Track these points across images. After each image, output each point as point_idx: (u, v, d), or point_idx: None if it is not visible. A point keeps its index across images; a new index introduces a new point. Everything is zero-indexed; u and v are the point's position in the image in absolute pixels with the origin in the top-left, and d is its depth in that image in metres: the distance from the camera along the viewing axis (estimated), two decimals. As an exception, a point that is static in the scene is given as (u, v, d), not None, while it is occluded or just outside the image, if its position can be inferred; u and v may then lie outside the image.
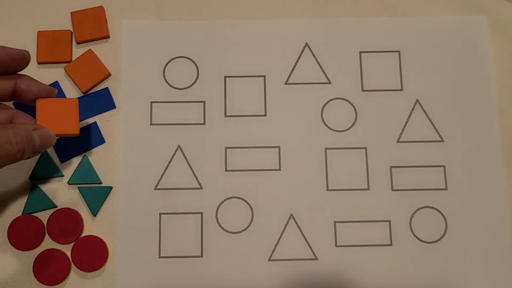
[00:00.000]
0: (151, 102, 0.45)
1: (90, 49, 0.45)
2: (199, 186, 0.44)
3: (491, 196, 0.44)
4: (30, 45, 0.46)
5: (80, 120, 0.45)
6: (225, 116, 0.45)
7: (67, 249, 0.42)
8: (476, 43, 0.47)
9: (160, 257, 0.42)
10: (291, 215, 0.43)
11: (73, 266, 0.42)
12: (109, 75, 0.45)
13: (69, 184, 0.43)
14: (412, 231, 0.43)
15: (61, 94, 0.45)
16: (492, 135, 0.45)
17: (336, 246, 0.43)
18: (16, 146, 0.35)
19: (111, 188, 0.43)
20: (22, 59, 0.38)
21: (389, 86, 0.46)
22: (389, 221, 0.43)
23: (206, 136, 0.45)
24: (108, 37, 0.46)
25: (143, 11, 0.47)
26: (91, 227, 0.43)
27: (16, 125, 0.37)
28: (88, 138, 0.44)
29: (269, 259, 0.42)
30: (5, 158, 0.34)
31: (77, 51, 0.46)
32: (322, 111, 0.45)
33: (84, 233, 0.42)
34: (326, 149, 0.45)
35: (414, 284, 0.42)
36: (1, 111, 0.39)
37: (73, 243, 0.42)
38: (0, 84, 0.38)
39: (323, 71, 0.46)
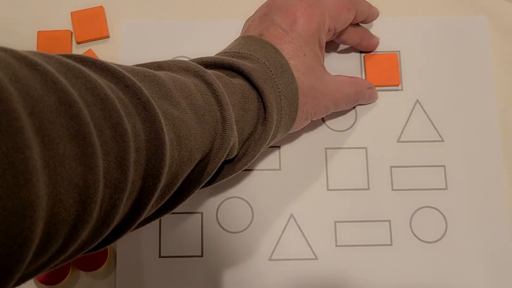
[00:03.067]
0: (151, 102, 0.45)
1: (90, 49, 0.45)
2: (199, 186, 0.44)
3: (491, 196, 0.44)
4: (30, 45, 0.46)
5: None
6: (225, 116, 0.45)
7: (67, 249, 0.42)
8: (476, 43, 0.47)
9: (160, 257, 0.42)
10: (291, 215, 0.43)
11: (73, 266, 0.42)
12: (109, 75, 0.45)
13: (69, 184, 0.43)
14: (412, 231, 0.43)
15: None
16: (492, 135, 0.45)
17: (336, 246, 0.43)
18: (353, 99, 0.43)
19: (111, 188, 0.43)
20: (376, 14, 0.44)
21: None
22: (389, 221, 0.43)
23: (206, 136, 0.45)
24: (108, 37, 0.46)
25: (143, 11, 0.47)
26: (91, 227, 0.43)
27: (357, 81, 0.44)
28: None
29: (269, 259, 0.42)
30: (343, 106, 0.43)
31: (77, 51, 0.46)
32: (322, 111, 0.45)
33: (84, 233, 0.42)
34: (326, 149, 0.45)
35: (414, 284, 0.42)
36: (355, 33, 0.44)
37: (73, 243, 0.42)
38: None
39: (323, 71, 0.46)
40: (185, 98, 0.31)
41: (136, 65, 0.33)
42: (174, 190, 0.30)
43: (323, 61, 0.41)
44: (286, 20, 0.39)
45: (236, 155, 0.36)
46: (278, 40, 0.38)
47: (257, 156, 0.37)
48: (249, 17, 0.43)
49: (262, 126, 0.36)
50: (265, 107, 0.36)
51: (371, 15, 0.44)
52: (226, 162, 0.36)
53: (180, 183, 0.31)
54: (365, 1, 0.43)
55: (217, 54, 0.39)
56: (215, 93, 0.33)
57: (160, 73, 0.31)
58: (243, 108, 0.35)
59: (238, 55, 0.37)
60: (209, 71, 0.34)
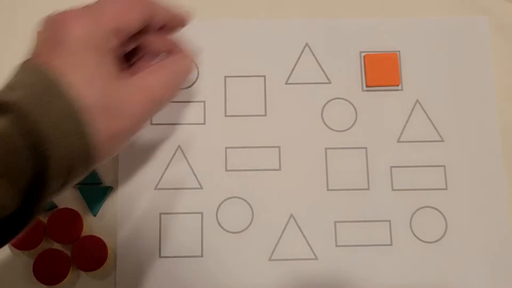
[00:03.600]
0: (151, 102, 0.45)
1: (90, 49, 0.45)
2: (199, 186, 0.44)
3: (491, 196, 0.44)
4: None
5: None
6: (225, 116, 0.45)
7: (67, 249, 0.42)
8: (476, 43, 0.47)
9: (160, 257, 0.42)
10: (291, 215, 0.43)
11: (73, 266, 0.41)
12: (109, 75, 0.45)
13: (69, 184, 0.43)
14: (412, 231, 0.43)
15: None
16: (492, 135, 0.45)
17: (336, 246, 0.43)
18: (172, 87, 0.37)
19: (111, 188, 0.43)
20: (182, 20, 0.39)
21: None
22: (389, 221, 0.43)
23: (206, 136, 0.45)
24: (108, 37, 0.46)
25: (143, 11, 0.47)
26: (91, 227, 0.43)
27: (170, 62, 0.38)
28: (88, 138, 0.44)
29: (269, 259, 0.42)
30: (165, 101, 0.37)
31: (77, 51, 0.46)
32: (322, 111, 0.45)
33: (84, 233, 0.42)
34: (326, 149, 0.45)
35: (414, 284, 0.42)
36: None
37: (73, 243, 0.42)
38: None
39: (323, 71, 0.46)
40: None
41: None
42: None
43: (117, 66, 0.34)
44: (55, 32, 0.33)
45: (18, 209, 0.29)
46: (47, 55, 0.32)
47: (52, 198, 0.32)
48: None
49: (38, 167, 0.29)
50: (35, 144, 0.29)
51: (173, 20, 0.39)
52: (3, 221, 0.29)
53: None
54: (164, 9, 0.38)
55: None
56: None
57: None
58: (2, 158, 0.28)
59: (6, 88, 0.31)
60: None
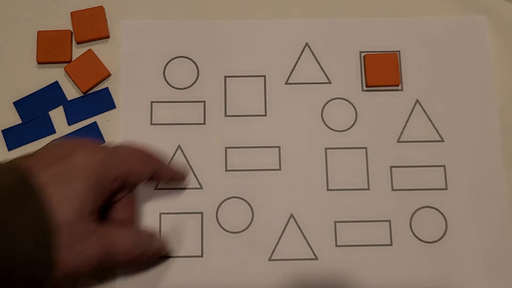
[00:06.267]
0: (151, 102, 0.45)
1: (90, 49, 0.45)
2: (199, 186, 0.44)
3: (491, 196, 0.44)
4: (30, 45, 0.46)
5: (80, 120, 0.45)
6: (225, 116, 0.45)
7: (67, 249, 0.42)
8: (476, 43, 0.47)
9: (160, 257, 0.42)
10: (291, 215, 0.43)
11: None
12: (109, 75, 0.45)
13: (69, 184, 0.43)
14: (412, 231, 0.43)
15: (61, 94, 0.45)
16: (492, 135, 0.45)
17: (336, 246, 0.43)
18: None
19: (111, 188, 0.43)
20: (181, 177, 0.43)
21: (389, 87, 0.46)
22: (389, 221, 0.43)
23: (206, 136, 0.45)
24: (108, 37, 0.46)
25: (143, 11, 0.47)
26: (91, 227, 0.43)
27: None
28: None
29: (269, 259, 0.42)
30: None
31: (77, 51, 0.46)
32: (322, 111, 0.45)
33: (84, 233, 0.42)
34: (326, 149, 0.45)
35: (414, 284, 0.42)
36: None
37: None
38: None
39: (323, 71, 0.46)
40: None
41: None
42: None
43: (100, 207, 0.34)
44: (63, 150, 0.33)
45: None
46: (42, 164, 0.31)
47: None
48: None
49: None
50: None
51: (173, 177, 0.42)
52: None
53: None
54: (167, 167, 0.41)
55: None
56: None
57: None
58: None
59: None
60: None
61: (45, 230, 0.30)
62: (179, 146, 0.44)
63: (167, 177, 0.42)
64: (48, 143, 0.37)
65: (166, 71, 0.46)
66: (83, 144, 0.34)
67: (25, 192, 0.30)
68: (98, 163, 0.33)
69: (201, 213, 0.43)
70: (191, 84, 0.46)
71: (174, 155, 0.44)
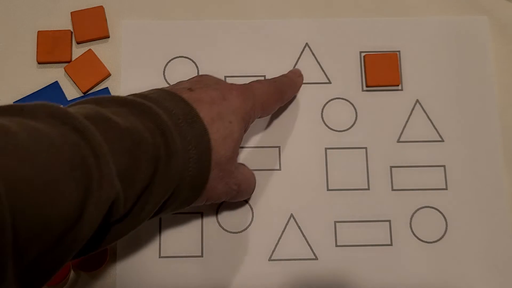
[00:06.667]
0: (151, 102, 0.45)
1: (90, 49, 0.46)
2: (199, 186, 0.44)
3: (491, 196, 0.44)
4: (30, 45, 0.46)
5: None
6: (225, 116, 0.45)
7: (67, 249, 0.42)
8: (476, 43, 0.47)
9: (160, 257, 0.42)
10: (291, 215, 0.43)
11: (73, 266, 0.42)
12: (109, 75, 0.45)
13: (69, 184, 0.43)
14: (412, 231, 0.43)
15: (61, 94, 0.45)
16: (492, 135, 0.45)
17: (336, 246, 0.43)
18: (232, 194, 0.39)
19: (111, 188, 0.43)
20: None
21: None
22: (389, 221, 0.43)
23: (206, 136, 0.45)
24: (108, 37, 0.46)
25: (143, 11, 0.47)
26: (91, 227, 0.43)
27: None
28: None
29: (269, 259, 0.42)
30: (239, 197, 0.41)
31: (77, 51, 0.46)
32: (322, 111, 0.45)
33: (84, 233, 0.42)
34: (326, 149, 0.45)
35: (414, 284, 0.42)
36: None
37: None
38: None
39: (323, 71, 0.46)
40: (45, 152, 0.25)
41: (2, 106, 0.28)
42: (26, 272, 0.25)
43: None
44: (220, 91, 0.36)
45: (128, 213, 0.30)
46: (206, 100, 0.35)
47: (163, 212, 0.33)
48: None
49: (162, 175, 0.31)
50: (168, 150, 0.31)
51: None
52: (116, 221, 0.30)
53: (33, 260, 0.25)
54: (291, 85, 0.43)
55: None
56: (88, 143, 0.27)
57: (11, 123, 0.25)
58: (134, 157, 0.29)
59: (142, 97, 0.33)
60: (94, 111, 0.29)
61: (207, 152, 0.34)
62: (179, 146, 0.44)
63: (291, 97, 0.44)
64: (199, 77, 0.39)
65: (166, 71, 0.46)
66: (234, 87, 0.37)
67: (193, 116, 0.33)
68: (249, 107, 0.37)
69: (201, 213, 0.43)
70: (191, 84, 0.46)
71: (174, 155, 0.44)
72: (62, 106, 0.28)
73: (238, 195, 0.40)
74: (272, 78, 0.42)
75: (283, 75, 0.43)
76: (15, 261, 0.23)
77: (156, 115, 0.31)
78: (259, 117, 0.40)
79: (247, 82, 0.39)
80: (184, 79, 0.45)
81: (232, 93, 0.36)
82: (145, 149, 0.30)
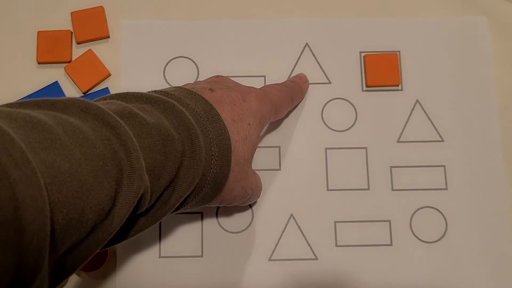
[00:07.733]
0: (151, 102, 0.45)
1: (90, 49, 0.46)
2: (199, 186, 0.44)
3: (491, 196, 0.44)
4: (30, 45, 0.46)
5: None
6: (225, 116, 0.45)
7: (67, 249, 0.42)
8: (476, 43, 0.47)
9: (160, 257, 0.42)
10: (291, 215, 0.43)
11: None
12: (109, 75, 0.45)
13: (69, 184, 0.43)
14: (412, 231, 0.43)
15: (61, 94, 0.45)
16: (492, 135, 0.45)
17: (336, 246, 0.43)
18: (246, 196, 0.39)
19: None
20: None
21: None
22: (389, 221, 0.43)
23: (206, 136, 0.45)
24: (108, 37, 0.46)
25: (143, 11, 0.47)
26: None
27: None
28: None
29: (269, 259, 0.42)
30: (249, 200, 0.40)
31: (77, 51, 0.46)
32: (322, 111, 0.45)
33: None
34: (326, 149, 0.45)
35: (414, 284, 0.42)
36: None
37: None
38: None
39: (323, 71, 0.46)
40: (80, 146, 0.25)
41: (28, 100, 0.28)
42: (62, 261, 0.26)
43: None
44: (240, 93, 0.37)
45: (152, 206, 0.31)
46: (227, 101, 0.36)
47: (182, 208, 0.34)
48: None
49: (186, 170, 0.31)
50: (193, 146, 0.32)
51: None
52: (140, 214, 0.31)
53: (66, 250, 0.25)
54: (299, 91, 0.44)
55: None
56: (119, 138, 0.28)
57: (46, 117, 0.26)
58: (161, 152, 0.30)
59: (164, 94, 0.34)
60: (121, 107, 0.30)
61: (228, 151, 0.34)
62: (179, 146, 0.44)
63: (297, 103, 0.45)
64: (217, 78, 0.40)
65: (166, 71, 0.46)
66: (253, 90, 0.38)
67: (214, 115, 0.34)
68: (266, 111, 0.38)
69: (201, 213, 0.43)
70: (191, 84, 0.46)
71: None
72: (92, 101, 0.29)
73: (249, 200, 0.40)
74: (282, 83, 0.43)
75: (290, 81, 0.44)
76: (51, 252, 0.24)
77: (180, 112, 0.32)
78: (271, 121, 0.40)
79: (261, 86, 0.40)
80: (184, 79, 0.45)
81: (252, 96, 0.37)
82: (171, 145, 0.30)
